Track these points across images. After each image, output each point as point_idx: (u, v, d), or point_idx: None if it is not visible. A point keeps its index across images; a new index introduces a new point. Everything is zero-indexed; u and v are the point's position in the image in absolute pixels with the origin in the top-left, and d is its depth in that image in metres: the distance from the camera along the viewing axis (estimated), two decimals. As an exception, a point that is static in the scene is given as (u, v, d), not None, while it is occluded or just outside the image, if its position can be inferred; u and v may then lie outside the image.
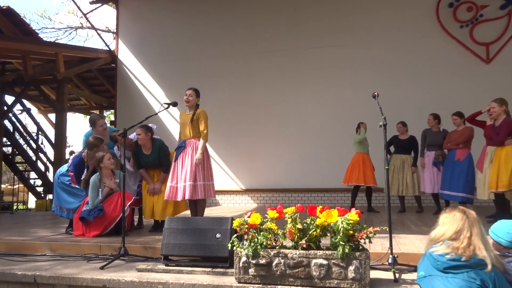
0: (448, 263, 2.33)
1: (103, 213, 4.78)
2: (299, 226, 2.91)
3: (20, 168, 12.18)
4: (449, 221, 2.47)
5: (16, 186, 12.10)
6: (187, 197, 4.68)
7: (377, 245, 3.80)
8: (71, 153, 10.38)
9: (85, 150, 5.20)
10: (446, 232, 2.44)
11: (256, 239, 2.94)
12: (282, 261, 2.86)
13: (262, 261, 2.89)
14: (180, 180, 4.75)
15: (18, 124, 12.08)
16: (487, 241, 2.41)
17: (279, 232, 2.98)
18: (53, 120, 11.25)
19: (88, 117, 5.72)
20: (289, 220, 2.94)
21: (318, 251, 2.83)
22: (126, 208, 4.48)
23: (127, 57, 10.97)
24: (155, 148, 5.10)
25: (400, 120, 7.14)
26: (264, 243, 2.92)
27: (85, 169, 5.12)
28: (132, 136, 5.19)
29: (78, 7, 12.15)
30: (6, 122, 11.38)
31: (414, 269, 3.07)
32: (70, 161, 5.38)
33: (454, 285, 2.26)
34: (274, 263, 2.87)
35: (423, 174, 6.86)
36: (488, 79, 8.66)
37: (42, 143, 12.48)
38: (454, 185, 6.21)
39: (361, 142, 7.08)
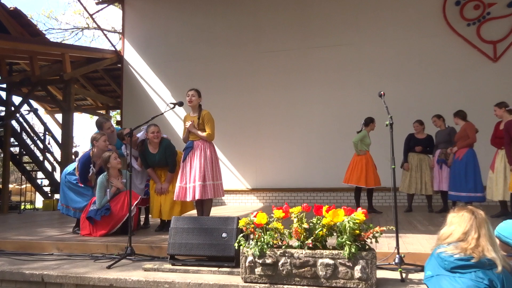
0: (456, 263, 2.31)
1: (110, 212, 4.80)
2: (305, 225, 2.91)
3: (28, 168, 12.27)
4: (457, 222, 2.44)
5: (24, 186, 12.20)
6: (197, 197, 4.69)
7: (384, 244, 3.79)
8: (75, 153, 10.43)
9: (92, 149, 5.23)
10: (454, 232, 2.42)
11: (262, 239, 2.94)
12: (288, 260, 2.86)
13: (268, 261, 2.89)
14: (189, 181, 4.76)
15: (25, 125, 12.17)
16: (495, 242, 2.39)
17: (285, 231, 2.98)
18: (60, 120, 11.33)
19: (95, 120, 5.74)
20: (295, 220, 2.94)
21: (325, 251, 2.82)
22: (132, 207, 4.50)
23: (133, 57, 11.01)
24: (162, 147, 5.12)
25: (417, 119, 7.09)
26: (270, 243, 2.92)
27: (91, 167, 5.14)
28: (139, 135, 5.21)
29: (84, 8, 12.21)
30: (14, 122, 11.48)
31: (421, 268, 3.05)
32: (77, 161, 5.40)
33: (461, 285, 2.25)
34: (280, 263, 2.87)
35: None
36: (495, 77, 8.60)
37: (49, 143, 12.57)
38: (458, 185, 6.22)
39: (361, 142, 6.87)
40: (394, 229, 3.17)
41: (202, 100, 5.05)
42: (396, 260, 3.15)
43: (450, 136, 6.60)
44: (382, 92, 3.90)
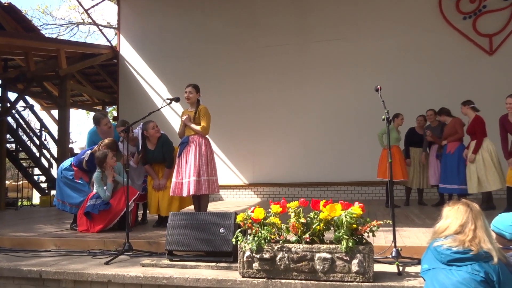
0: (452, 256, 2.32)
1: (109, 206, 4.82)
2: (302, 220, 2.92)
3: (24, 164, 12.22)
4: (453, 214, 2.46)
5: (20, 182, 12.17)
6: (191, 192, 4.70)
7: (381, 238, 3.80)
8: (70, 150, 10.41)
9: (93, 147, 5.21)
10: (451, 225, 2.43)
11: (259, 234, 2.95)
12: (286, 255, 2.87)
13: (266, 256, 2.90)
14: (184, 176, 4.77)
15: (21, 121, 12.11)
16: (491, 234, 2.41)
17: (282, 226, 2.99)
18: (56, 116, 11.28)
19: (92, 115, 5.71)
20: (293, 215, 2.95)
21: (322, 245, 2.84)
22: (130, 203, 4.50)
23: (129, 53, 10.96)
24: (159, 144, 5.11)
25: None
26: (268, 238, 2.93)
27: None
28: (136, 131, 5.20)
29: (79, 3, 12.13)
30: (9, 118, 11.41)
31: (418, 262, 3.07)
32: (86, 156, 5.33)
33: (458, 278, 2.26)
34: (278, 258, 2.88)
35: (429, 167, 6.93)
36: (491, 70, 8.62)
37: (45, 140, 12.52)
38: (449, 178, 6.31)
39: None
40: (391, 223, 3.19)
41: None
42: (393, 254, 3.17)
43: (442, 132, 6.66)
44: (378, 87, 3.90)
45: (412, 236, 3.97)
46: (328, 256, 2.80)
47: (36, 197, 13.41)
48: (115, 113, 13.62)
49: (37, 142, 12.39)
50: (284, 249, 2.88)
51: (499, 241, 2.65)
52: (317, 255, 2.82)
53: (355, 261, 2.75)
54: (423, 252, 2.62)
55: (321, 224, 2.87)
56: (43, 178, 12.18)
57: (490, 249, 2.29)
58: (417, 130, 7.06)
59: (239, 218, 3.10)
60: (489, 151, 5.82)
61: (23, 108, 11.99)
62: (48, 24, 19.49)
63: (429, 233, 3.76)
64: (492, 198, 6.02)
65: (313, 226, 2.89)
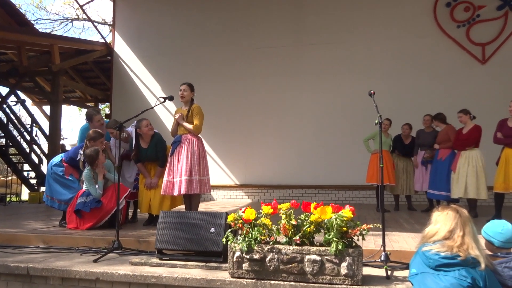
0: (441, 261, 2.34)
1: (100, 204, 4.79)
2: (293, 222, 2.92)
3: (14, 160, 12.12)
4: (442, 220, 2.48)
5: (10, 178, 12.04)
6: (183, 191, 4.69)
7: (370, 242, 3.82)
8: (62, 146, 10.32)
9: (83, 145, 5.17)
10: (440, 230, 2.45)
11: (250, 234, 2.95)
12: (276, 256, 2.87)
13: (256, 256, 2.90)
14: (176, 175, 4.76)
15: (12, 116, 12.00)
16: (478, 240, 2.44)
17: (273, 227, 2.99)
18: (48, 112, 11.19)
19: (85, 111, 5.66)
20: (284, 216, 2.95)
21: (312, 247, 2.84)
22: (121, 200, 4.48)
23: (123, 50, 10.91)
24: (153, 142, 5.09)
25: (406, 122, 7.15)
26: (258, 239, 2.93)
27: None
28: (129, 129, 5.17)
29: (75, -1, 12.06)
30: (0, 113, 11.31)
31: (406, 266, 3.10)
32: (81, 157, 5.27)
33: (445, 283, 2.28)
34: (267, 259, 2.89)
35: (415, 173, 6.98)
36: (483, 79, 8.71)
37: (36, 135, 12.42)
38: (438, 184, 6.36)
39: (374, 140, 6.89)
40: (380, 227, 3.20)
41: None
42: (382, 258, 3.19)
43: (435, 140, 6.70)
44: (372, 91, 3.92)
45: (401, 241, 3.99)
46: (318, 258, 2.80)
47: (25, 193, 13.28)
48: (108, 111, 13.56)
49: (28, 137, 12.29)
50: (274, 250, 2.88)
51: (488, 247, 2.68)
52: (307, 257, 2.82)
53: (344, 264, 2.76)
54: (412, 256, 2.64)
55: (312, 226, 2.88)
56: (32, 174, 12.07)
57: (478, 255, 2.32)
58: (403, 139, 7.10)
59: (230, 218, 3.10)
60: (482, 161, 5.89)
61: (14, 103, 11.89)
62: (42, 19, 19.38)
63: (418, 238, 3.79)
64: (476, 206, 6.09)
65: (304, 228, 2.89)
